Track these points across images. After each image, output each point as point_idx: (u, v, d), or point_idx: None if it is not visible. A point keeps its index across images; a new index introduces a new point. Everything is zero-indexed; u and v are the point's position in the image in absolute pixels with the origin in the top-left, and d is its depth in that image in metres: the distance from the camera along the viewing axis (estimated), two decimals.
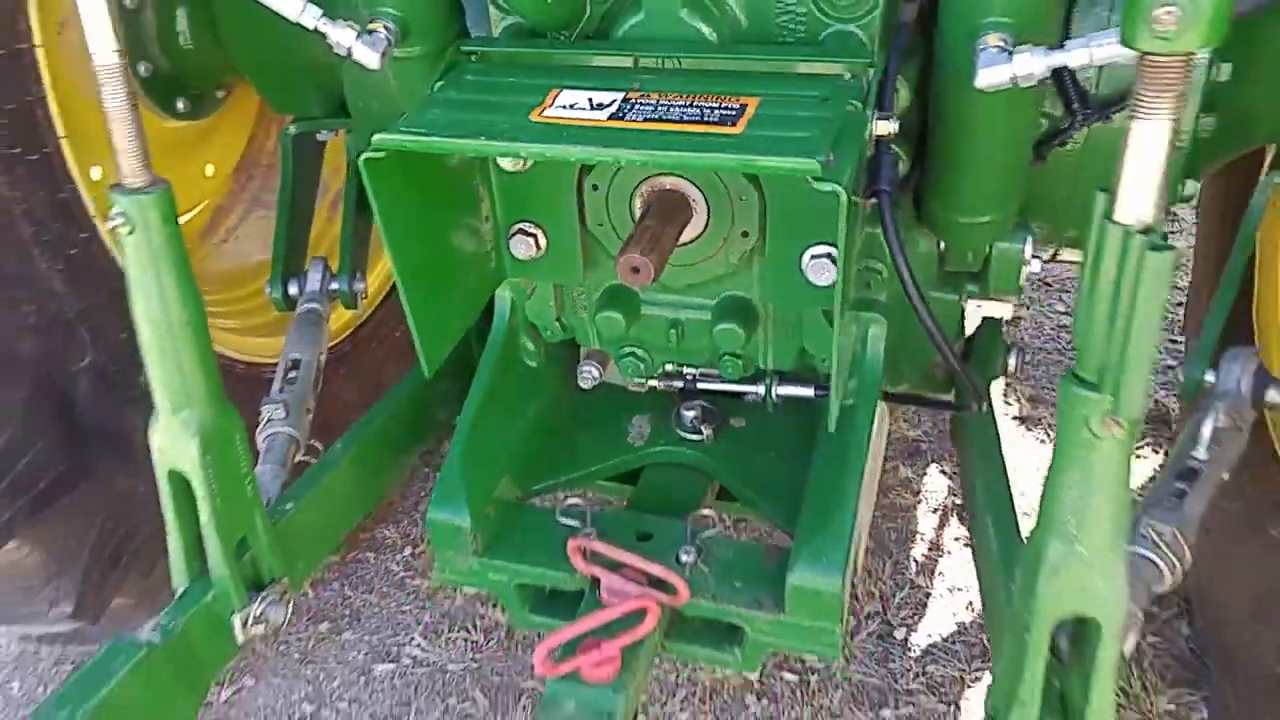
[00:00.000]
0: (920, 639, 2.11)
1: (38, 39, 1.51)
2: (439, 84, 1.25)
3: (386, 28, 1.30)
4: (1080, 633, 1.07)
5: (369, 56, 1.27)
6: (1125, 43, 0.80)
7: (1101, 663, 1.01)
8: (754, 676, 2.07)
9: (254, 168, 2.42)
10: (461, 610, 2.25)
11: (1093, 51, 0.96)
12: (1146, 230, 0.84)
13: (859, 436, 1.36)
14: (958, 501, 2.39)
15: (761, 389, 1.51)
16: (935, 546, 2.30)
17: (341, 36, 1.26)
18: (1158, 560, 1.25)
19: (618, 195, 1.31)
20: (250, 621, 1.33)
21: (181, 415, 1.22)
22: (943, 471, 2.49)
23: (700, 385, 1.54)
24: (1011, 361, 1.69)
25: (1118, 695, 1.95)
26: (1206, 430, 1.35)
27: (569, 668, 1.27)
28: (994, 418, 1.68)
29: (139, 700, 1.20)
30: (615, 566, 1.37)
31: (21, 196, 1.44)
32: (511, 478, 1.50)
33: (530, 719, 2.03)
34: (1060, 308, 3.01)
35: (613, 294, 1.42)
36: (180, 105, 1.92)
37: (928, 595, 2.20)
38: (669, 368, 1.53)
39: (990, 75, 1.05)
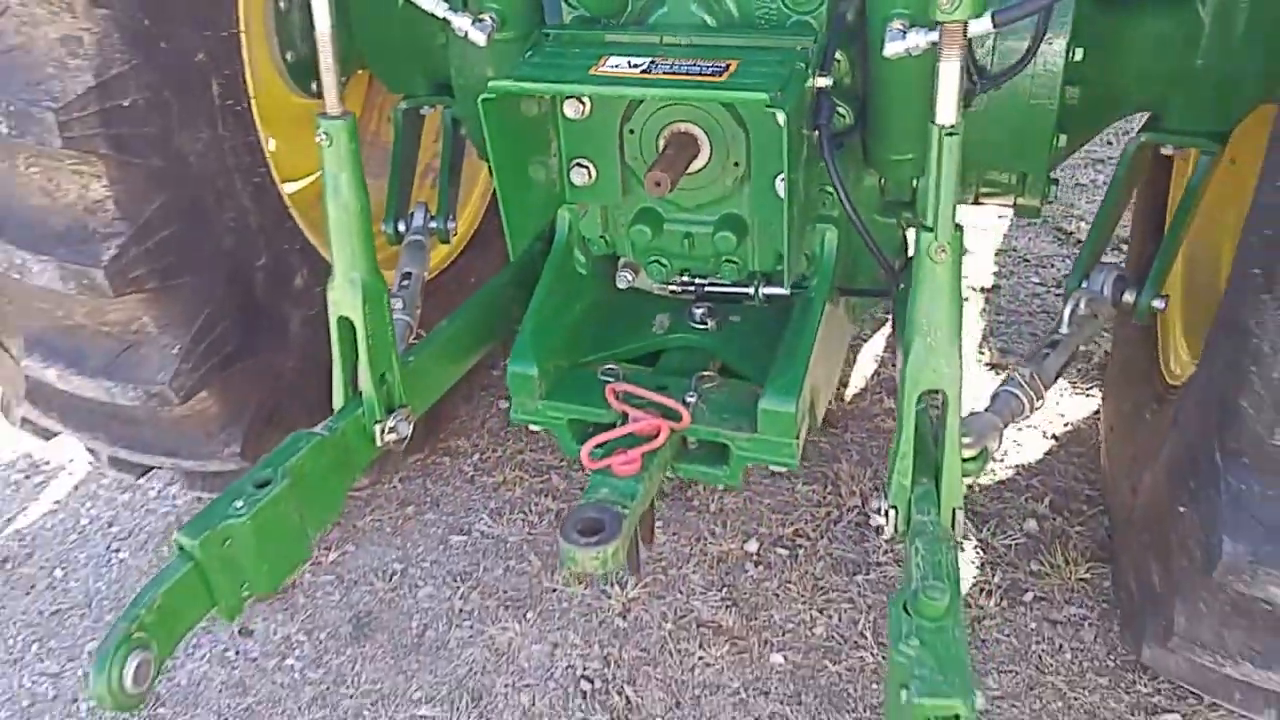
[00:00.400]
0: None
1: (243, 26, 2.12)
2: (528, 54, 1.83)
3: (491, 17, 1.89)
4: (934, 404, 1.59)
5: (479, 38, 1.86)
6: (931, 15, 1.36)
7: (950, 422, 1.53)
8: (752, 547, 2.61)
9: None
10: (520, 499, 2.81)
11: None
12: (948, 129, 1.39)
13: (814, 313, 1.91)
14: None
15: (752, 290, 2.06)
16: (880, 421, 2.85)
17: (461, 23, 1.85)
18: (1019, 394, 1.78)
19: (647, 137, 1.88)
20: (386, 431, 1.90)
21: (350, 276, 1.79)
22: None
23: (707, 289, 2.10)
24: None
25: (1045, 567, 2.47)
26: (1067, 312, 1.89)
27: (604, 464, 1.82)
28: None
29: (314, 469, 1.77)
30: (640, 404, 1.92)
31: (229, 136, 2.04)
32: (564, 352, 2.07)
33: (576, 581, 2.57)
34: (1035, 279, 3.55)
35: (643, 213, 1.99)
36: (313, 86, 2.51)
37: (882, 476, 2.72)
38: (684, 278, 2.10)
39: (892, 48, 1.59)
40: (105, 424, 2.18)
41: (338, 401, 1.88)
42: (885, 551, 2.56)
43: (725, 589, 2.51)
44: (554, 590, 2.55)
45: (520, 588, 2.57)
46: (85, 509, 2.97)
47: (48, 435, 2.37)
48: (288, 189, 2.33)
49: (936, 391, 1.52)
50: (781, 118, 1.54)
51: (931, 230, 1.43)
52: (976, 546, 2.55)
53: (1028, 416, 1.84)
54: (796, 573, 2.53)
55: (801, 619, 2.42)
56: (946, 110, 1.38)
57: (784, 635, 2.39)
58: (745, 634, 2.40)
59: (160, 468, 2.39)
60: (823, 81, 1.72)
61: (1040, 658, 2.29)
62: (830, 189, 1.94)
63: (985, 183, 2.09)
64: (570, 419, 1.97)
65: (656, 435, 1.85)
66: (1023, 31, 1.82)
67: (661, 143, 1.87)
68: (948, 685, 1.28)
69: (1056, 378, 1.86)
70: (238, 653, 2.49)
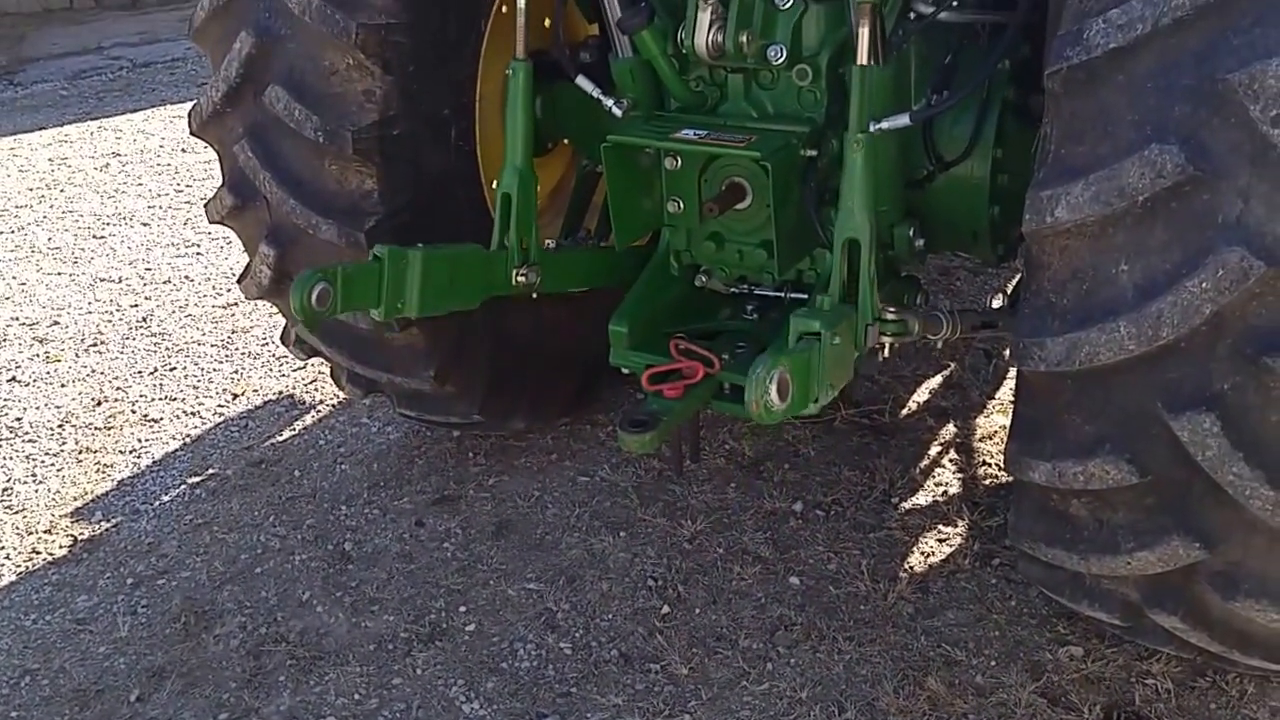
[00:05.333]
0: (906, 501, 3.66)
1: (479, 95, 3.46)
2: (640, 124, 3.08)
3: (628, 99, 3.17)
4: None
5: (618, 113, 3.15)
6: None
7: (864, 261, 2.58)
8: (798, 508, 3.69)
9: (557, 194, 4.35)
10: (633, 459, 3.99)
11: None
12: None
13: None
14: (959, 438, 3.95)
15: (783, 294, 3.20)
16: (934, 463, 3.86)
17: (608, 102, 3.14)
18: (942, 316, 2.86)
19: (713, 183, 3.05)
20: (519, 274, 3.08)
21: (515, 164, 3.07)
22: (955, 424, 4.01)
23: (756, 291, 3.26)
24: None
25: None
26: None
27: (656, 388, 2.98)
28: None
29: (470, 260, 3.04)
30: (690, 355, 3.08)
31: (459, 165, 3.35)
32: (652, 324, 3.25)
33: (661, 516, 3.72)
34: None
35: (712, 234, 3.17)
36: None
37: (918, 483, 3.74)
38: (741, 283, 3.27)
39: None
40: (349, 344, 3.46)
41: (495, 244, 3.07)
42: (896, 521, 3.59)
43: (769, 532, 3.58)
44: (644, 520, 3.69)
45: (620, 515, 3.73)
46: (324, 435, 4.36)
47: (310, 354, 3.73)
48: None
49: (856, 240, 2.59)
50: (768, 170, 2.73)
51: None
52: (967, 524, 3.54)
53: (938, 340, 2.94)
54: (826, 527, 3.59)
55: (820, 557, 3.47)
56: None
57: (803, 566, 3.44)
58: (775, 563, 3.47)
59: (379, 382, 3.70)
60: (811, 152, 2.90)
61: (992, 602, 3.24)
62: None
63: (950, 239, 3.19)
64: (646, 363, 3.16)
65: (696, 374, 3.02)
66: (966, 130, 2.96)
67: (722, 187, 3.07)
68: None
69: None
70: (411, 535, 3.74)
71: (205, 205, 3.50)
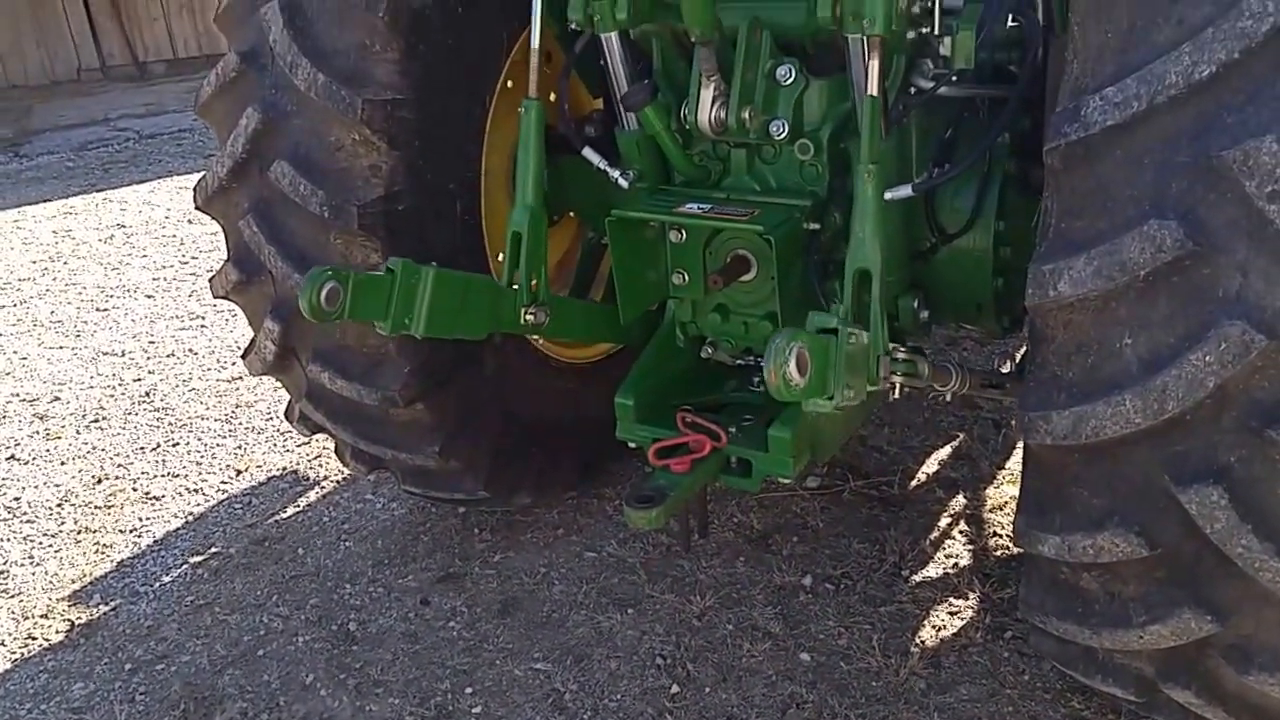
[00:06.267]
0: (917, 573, 3.68)
1: (484, 171, 3.54)
2: (644, 197, 3.16)
3: (634, 171, 3.25)
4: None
5: (624, 184, 3.22)
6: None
7: (875, 293, 2.56)
8: (808, 581, 3.70)
9: (564, 265, 4.42)
10: (640, 536, 4.02)
11: None
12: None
13: None
14: (969, 509, 3.97)
15: None
16: (945, 534, 3.88)
17: (614, 174, 3.22)
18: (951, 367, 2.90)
19: (718, 256, 3.12)
20: (527, 314, 3.09)
21: (525, 203, 3.05)
22: (964, 491, 4.03)
23: (759, 364, 3.31)
24: None
25: None
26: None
27: (663, 463, 3.02)
28: None
29: (479, 290, 3.03)
30: (696, 428, 3.12)
31: (463, 239, 3.42)
32: (658, 396, 3.30)
33: (670, 592, 3.74)
34: None
35: (718, 306, 3.23)
36: None
37: (928, 555, 3.76)
38: (747, 354, 3.32)
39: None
40: (353, 420, 3.52)
41: (502, 279, 3.09)
42: (907, 594, 3.60)
43: (779, 607, 3.60)
44: (653, 596, 3.72)
45: (628, 592, 3.75)
46: (328, 511, 4.40)
47: (314, 429, 3.79)
48: None
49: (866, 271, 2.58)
50: (772, 243, 2.79)
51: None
52: (978, 597, 3.55)
53: (947, 392, 2.97)
54: (836, 601, 3.60)
55: (831, 632, 3.48)
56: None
57: (814, 642, 3.45)
58: (786, 639, 3.47)
59: (383, 459, 3.75)
60: (814, 225, 2.97)
61: (1005, 677, 3.24)
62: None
63: (954, 311, 3.25)
64: (653, 437, 3.20)
65: (703, 448, 3.06)
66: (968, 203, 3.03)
67: (727, 260, 3.13)
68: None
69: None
70: (416, 614, 3.76)
71: (210, 280, 3.58)
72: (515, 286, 3.11)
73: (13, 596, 4.01)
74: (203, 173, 3.43)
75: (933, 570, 3.72)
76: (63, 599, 3.98)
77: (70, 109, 12.50)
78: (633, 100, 3.07)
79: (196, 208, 3.50)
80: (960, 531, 3.90)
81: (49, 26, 13.77)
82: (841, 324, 2.38)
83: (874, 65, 2.60)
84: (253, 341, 3.55)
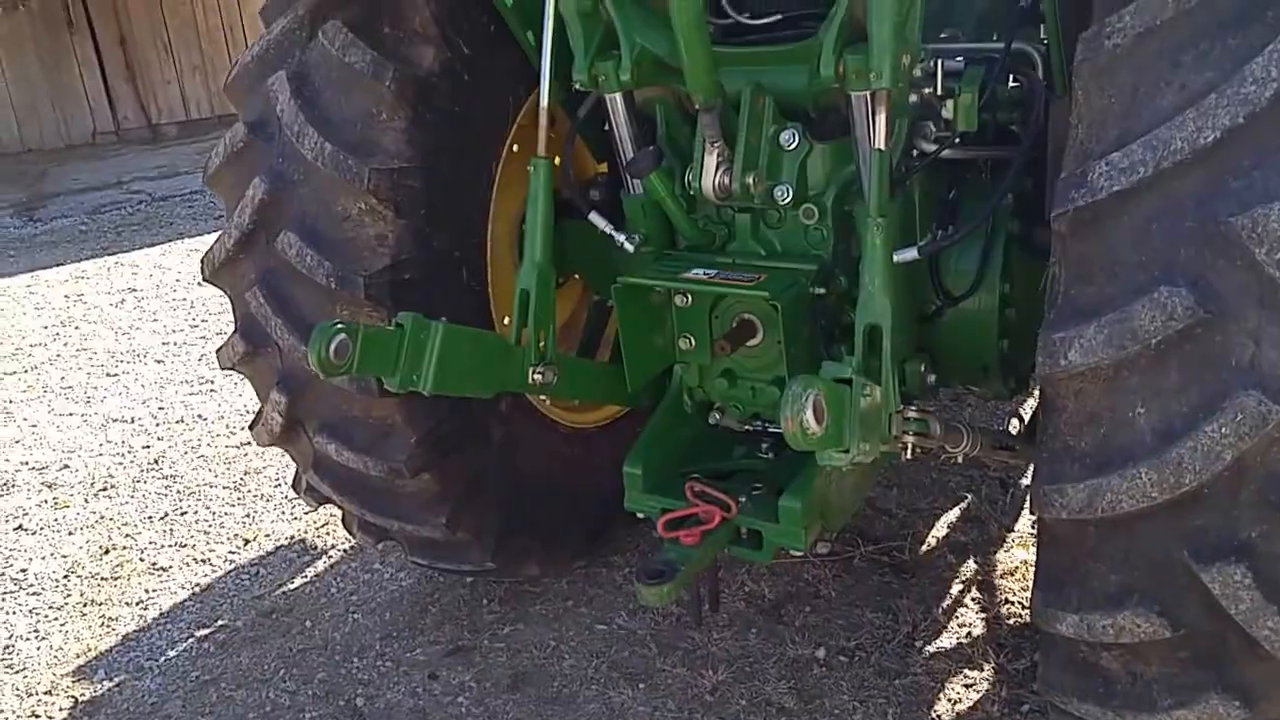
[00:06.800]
0: (930, 644, 3.63)
1: (490, 237, 3.55)
2: (650, 263, 3.16)
3: (638, 236, 3.25)
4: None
5: (629, 248, 3.22)
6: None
7: (886, 348, 2.53)
8: (821, 654, 3.65)
9: (570, 328, 4.41)
10: (651, 610, 3.98)
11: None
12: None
13: None
14: (980, 575, 3.92)
15: None
16: (957, 602, 3.82)
17: (619, 238, 3.22)
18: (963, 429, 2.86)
19: (724, 321, 3.12)
20: (535, 373, 3.06)
21: (534, 261, 3.05)
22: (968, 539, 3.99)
23: (770, 429, 3.29)
24: None
25: None
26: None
27: (673, 535, 2.99)
28: None
29: (487, 347, 3.01)
30: (705, 498, 3.09)
31: (469, 307, 3.42)
32: (666, 464, 3.27)
33: (681, 665, 3.69)
34: None
35: (725, 372, 3.21)
36: None
37: (942, 625, 3.70)
38: (755, 420, 3.30)
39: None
40: (360, 491, 3.52)
41: (510, 337, 3.07)
42: (921, 666, 3.55)
43: (792, 681, 3.54)
44: (664, 670, 3.67)
45: (639, 666, 3.71)
46: (336, 582, 4.37)
47: (321, 501, 3.78)
48: None
49: (877, 326, 2.56)
50: (778, 308, 2.78)
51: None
52: (993, 668, 3.49)
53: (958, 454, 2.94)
54: (850, 674, 3.55)
55: (845, 707, 3.42)
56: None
57: (829, 717, 3.37)
58: (800, 714, 3.41)
59: (390, 530, 3.73)
60: (819, 290, 2.96)
61: None
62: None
63: (960, 374, 3.22)
64: (662, 508, 3.17)
65: (713, 520, 3.03)
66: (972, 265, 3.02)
67: (733, 325, 3.12)
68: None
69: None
70: (424, 689, 3.72)
71: (217, 352, 3.58)
72: (523, 344, 3.10)
73: (17, 672, 3.99)
74: (214, 236, 3.45)
75: (946, 640, 3.67)
76: (67, 674, 3.96)
77: (84, 172, 12.66)
78: (638, 167, 3.08)
79: (204, 279, 3.51)
80: (972, 599, 3.85)
81: (65, 90, 13.99)
82: (855, 375, 2.36)
83: (880, 119, 2.60)
84: (260, 413, 3.55)
